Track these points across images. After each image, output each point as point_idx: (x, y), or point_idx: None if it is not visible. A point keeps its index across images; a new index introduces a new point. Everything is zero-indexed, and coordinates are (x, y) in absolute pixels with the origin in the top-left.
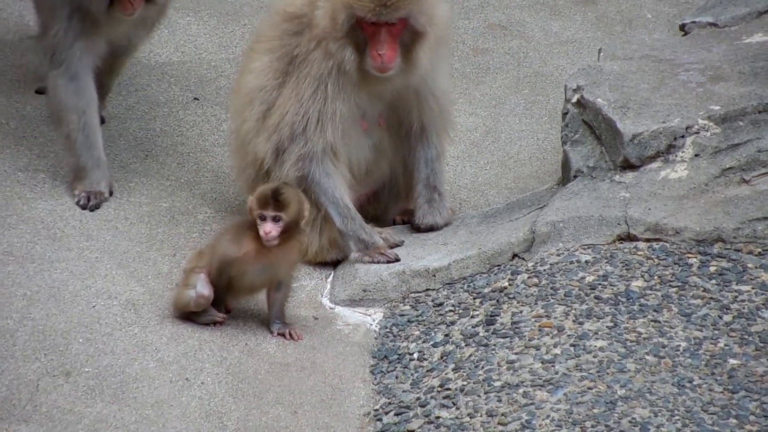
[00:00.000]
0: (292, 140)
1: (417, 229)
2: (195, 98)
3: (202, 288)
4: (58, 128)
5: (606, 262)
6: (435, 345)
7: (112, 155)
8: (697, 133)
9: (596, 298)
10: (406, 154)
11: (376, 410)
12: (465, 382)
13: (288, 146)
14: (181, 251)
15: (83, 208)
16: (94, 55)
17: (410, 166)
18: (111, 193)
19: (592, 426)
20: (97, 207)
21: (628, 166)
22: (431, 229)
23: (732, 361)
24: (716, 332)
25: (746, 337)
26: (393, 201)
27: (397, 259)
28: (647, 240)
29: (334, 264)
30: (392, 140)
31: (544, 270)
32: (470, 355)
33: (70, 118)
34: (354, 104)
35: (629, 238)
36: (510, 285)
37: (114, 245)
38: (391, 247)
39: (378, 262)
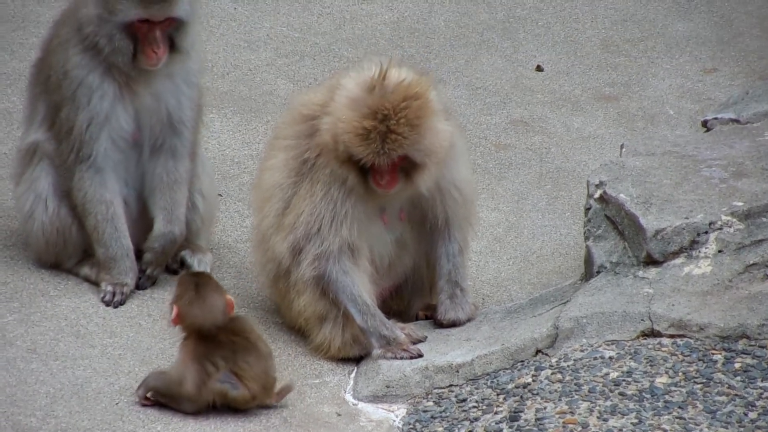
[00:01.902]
0: (308, 240)
1: (439, 325)
2: (218, 194)
3: None
4: (85, 220)
5: (630, 358)
6: None
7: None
8: (720, 229)
9: (621, 394)
10: (429, 248)
11: None
12: None
13: (304, 246)
14: None
15: (107, 304)
16: (123, 139)
17: (433, 261)
18: (137, 286)
19: None
20: (121, 303)
21: (651, 261)
22: (453, 324)
23: None
24: (741, 429)
25: None
26: (416, 296)
27: (420, 355)
28: (671, 336)
29: (357, 360)
30: (415, 234)
31: (568, 366)
32: None
33: (98, 209)
34: (369, 204)
35: (653, 334)
36: (534, 381)
37: (137, 342)
38: (414, 343)
39: (401, 358)
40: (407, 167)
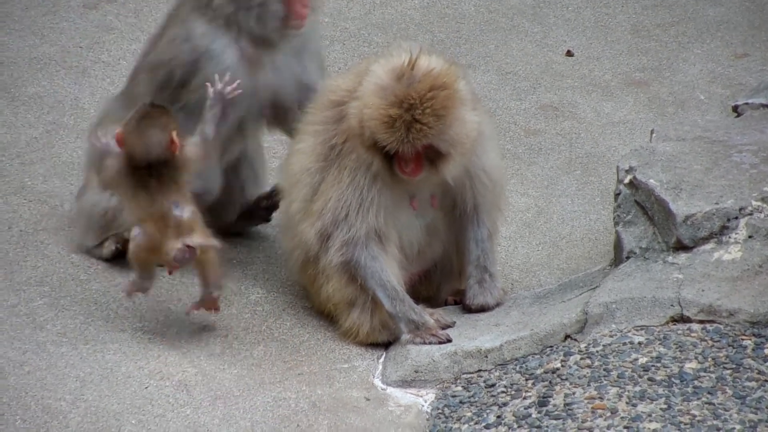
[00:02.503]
0: (336, 226)
1: (468, 310)
2: None
3: None
4: None
5: (659, 344)
6: (487, 427)
7: None
8: (750, 214)
9: (650, 379)
10: (458, 233)
11: None
12: None
13: (332, 232)
14: (233, 332)
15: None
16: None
17: (462, 246)
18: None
19: None
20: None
21: (681, 247)
22: (482, 309)
23: None
24: None
25: None
26: (445, 281)
27: (449, 340)
28: (701, 321)
29: (386, 345)
30: (446, 220)
31: (597, 351)
32: None
33: None
34: (397, 190)
35: (682, 319)
36: (562, 366)
37: (166, 326)
38: (443, 328)
39: (429, 343)
40: (432, 156)
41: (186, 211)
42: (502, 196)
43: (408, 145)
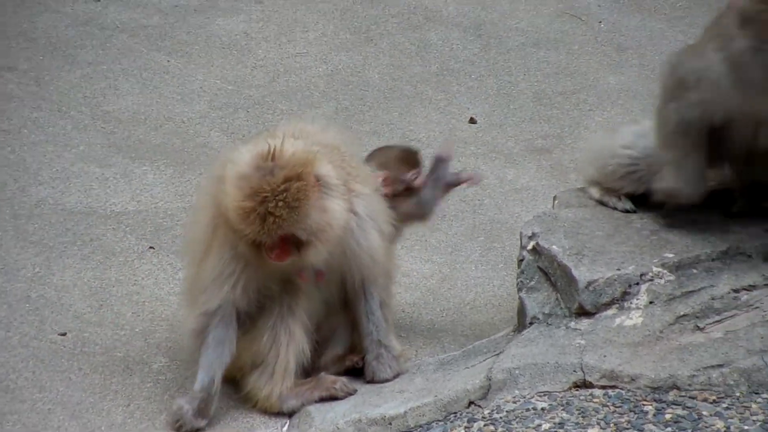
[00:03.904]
0: (200, 295)
1: (370, 383)
2: (151, 247)
3: None
4: None
5: (562, 410)
6: None
7: (66, 305)
8: (651, 280)
9: None
10: (352, 306)
11: None
12: None
13: (196, 301)
14: (135, 401)
15: None
16: None
17: (356, 319)
18: None
19: None
20: None
21: (583, 313)
22: (383, 382)
23: None
24: None
25: None
26: (346, 349)
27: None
28: (603, 387)
29: (290, 413)
30: (340, 294)
31: (501, 417)
32: None
33: None
34: (272, 267)
35: (585, 385)
36: None
37: (67, 396)
38: (344, 396)
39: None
40: (296, 242)
41: None
42: (390, 266)
43: (265, 236)
